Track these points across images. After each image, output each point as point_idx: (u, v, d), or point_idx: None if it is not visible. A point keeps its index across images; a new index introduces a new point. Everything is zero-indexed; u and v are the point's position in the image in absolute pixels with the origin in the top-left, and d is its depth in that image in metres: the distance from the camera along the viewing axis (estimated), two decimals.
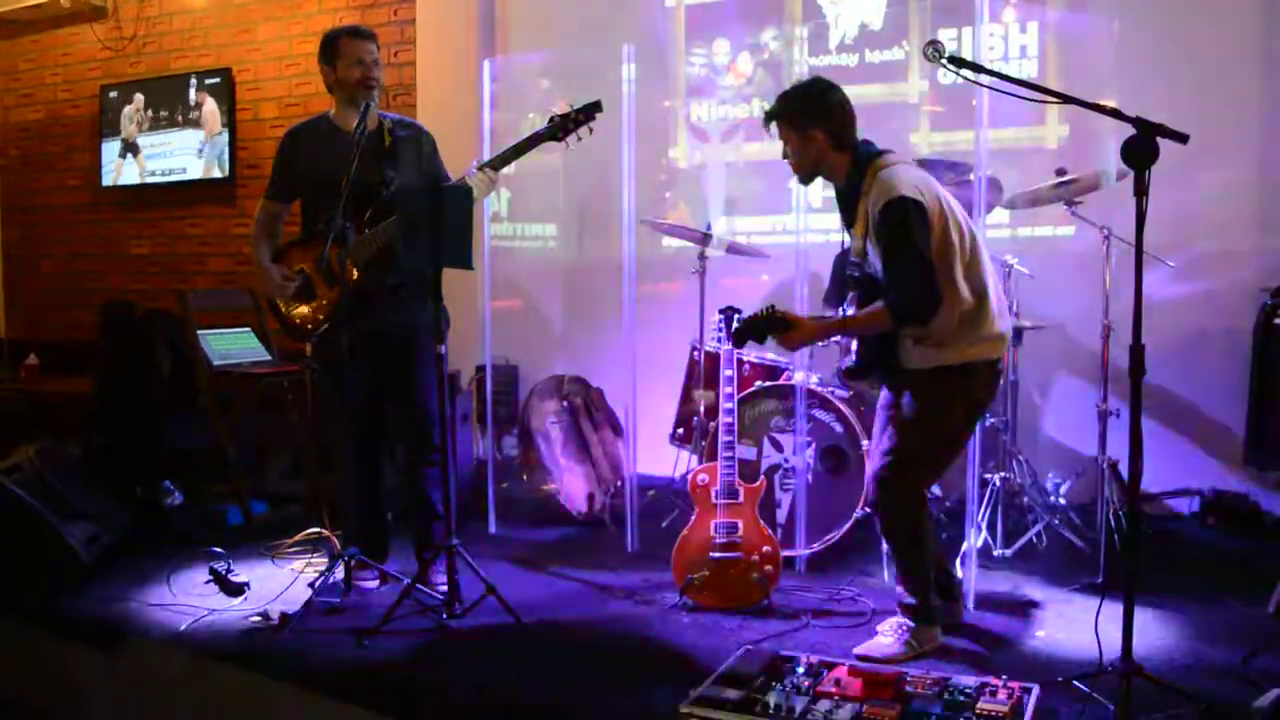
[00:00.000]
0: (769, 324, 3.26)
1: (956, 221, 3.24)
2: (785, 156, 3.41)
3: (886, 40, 5.48)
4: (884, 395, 3.53)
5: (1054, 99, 3.05)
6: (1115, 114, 2.82)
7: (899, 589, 3.42)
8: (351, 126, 3.78)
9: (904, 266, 3.15)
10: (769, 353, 4.91)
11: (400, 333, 3.91)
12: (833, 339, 3.58)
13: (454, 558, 3.65)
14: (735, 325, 3.34)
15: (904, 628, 3.36)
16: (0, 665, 3.78)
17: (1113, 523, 4.22)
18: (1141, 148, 2.70)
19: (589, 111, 3.78)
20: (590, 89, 3.80)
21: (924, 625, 3.36)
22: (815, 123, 3.29)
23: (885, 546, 4.09)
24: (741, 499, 3.77)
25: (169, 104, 7.52)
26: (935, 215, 3.17)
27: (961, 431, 3.42)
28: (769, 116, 3.39)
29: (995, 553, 4.26)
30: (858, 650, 3.32)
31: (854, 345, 3.46)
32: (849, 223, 3.38)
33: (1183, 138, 2.72)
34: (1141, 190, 2.72)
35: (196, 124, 7.42)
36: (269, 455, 5.63)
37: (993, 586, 3.95)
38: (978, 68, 3.11)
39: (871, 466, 3.46)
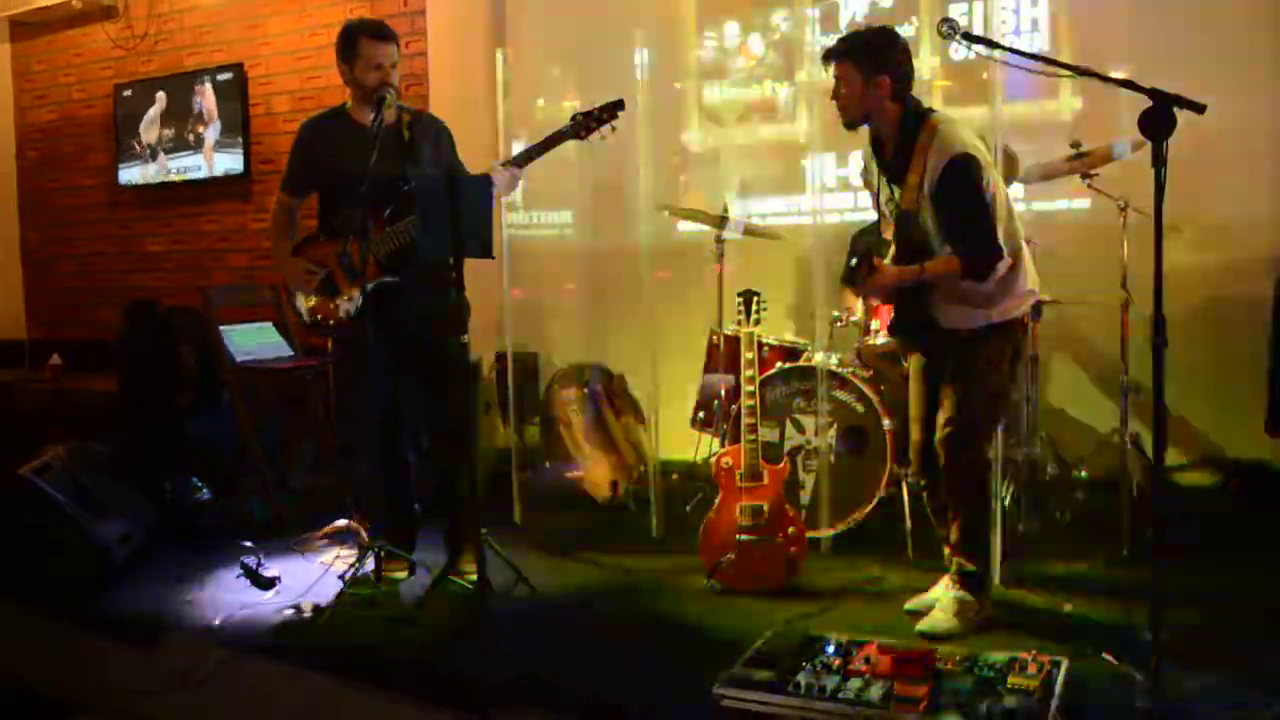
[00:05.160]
0: (862, 265, 3.27)
1: (998, 181, 3.28)
2: (835, 97, 3.37)
3: (897, 17, 5.44)
4: (917, 359, 3.55)
5: (1070, 72, 3.05)
6: (1131, 85, 2.81)
7: (956, 559, 3.43)
8: (368, 121, 3.78)
9: (975, 221, 3.19)
10: (787, 334, 4.93)
11: (422, 324, 3.93)
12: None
13: (482, 547, 3.68)
14: (851, 266, 3.32)
15: (959, 601, 3.37)
16: (27, 659, 3.83)
17: (1136, 495, 4.22)
18: (1158, 119, 2.69)
19: (611, 110, 3.82)
20: (602, 75, 3.80)
21: (980, 594, 3.39)
22: (884, 68, 3.27)
23: (909, 525, 4.12)
24: (766, 481, 3.79)
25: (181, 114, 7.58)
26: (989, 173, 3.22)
27: (1009, 386, 3.46)
28: (832, 54, 3.34)
29: (1019, 527, 4.26)
30: (919, 627, 3.34)
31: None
32: (897, 176, 3.35)
33: (1199, 107, 2.71)
34: (1160, 161, 2.71)
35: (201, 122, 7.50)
36: (294, 449, 5.66)
37: (1017, 561, 3.96)
38: (992, 43, 3.11)
39: (919, 435, 3.53)
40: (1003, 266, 3.24)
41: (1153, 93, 2.71)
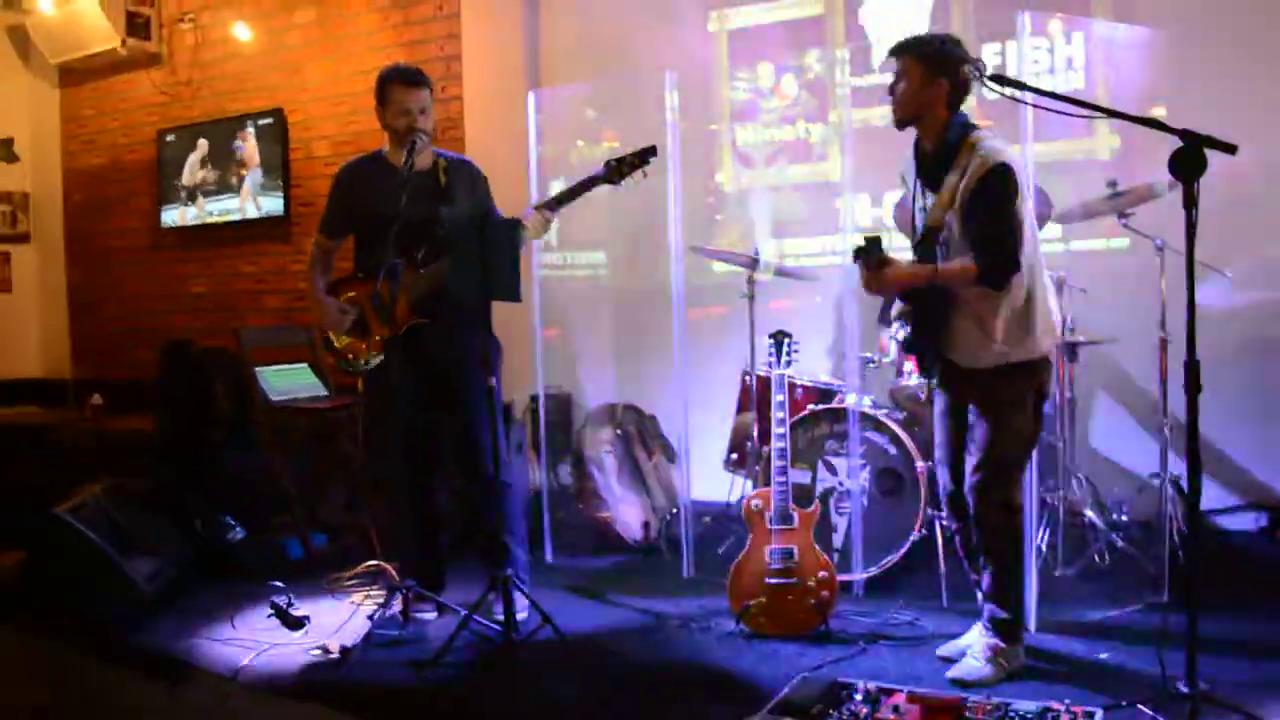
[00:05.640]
0: (871, 247, 3.27)
1: (1029, 211, 3.27)
2: (891, 91, 3.37)
3: None
4: (940, 403, 3.52)
5: (1096, 113, 3.03)
6: (1159, 125, 2.79)
7: (989, 606, 3.37)
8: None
9: (1001, 229, 3.17)
10: (820, 375, 4.90)
11: (452, 365, 3.94)
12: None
13: (510, 588, 3.67)
14: (860, 247, 3.31)
15: (993, 648, 3.31)
16: (57, 690, 3.85)
17: (1176, 540, 4.14)
18: (1189, 159, 2.67)
19: (643, 156, 3.82)
20: (635, 116, 3.82)
21: (1013, 643, 3.33)
22: (946, 71, 3.27)
23: (944, 568, 4.06)
24: (796, 524, 3.75)
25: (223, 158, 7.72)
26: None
27: (1036, 429, 3.40)
28: (900, 48, 3.35)
29: (1056, 572, 4.19)
30: (950, 674, 3.28)
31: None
32: (933, 182, 3.34)
33: (1231, 148, 2.68)
34: (1190, 202, 2.68)
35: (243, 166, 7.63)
36: (326, 488, 5.69)
37: (1054, 607, 3.89)
38: (1020, 85, 3.10)
39: (942, 479, 3.50)
40: (1019, 295, 3.21)
41: (1183, 133, 2.68)
